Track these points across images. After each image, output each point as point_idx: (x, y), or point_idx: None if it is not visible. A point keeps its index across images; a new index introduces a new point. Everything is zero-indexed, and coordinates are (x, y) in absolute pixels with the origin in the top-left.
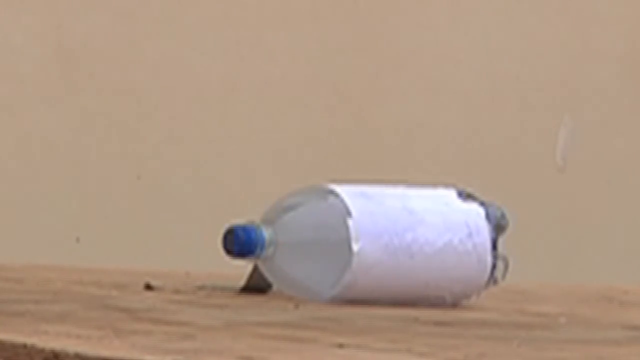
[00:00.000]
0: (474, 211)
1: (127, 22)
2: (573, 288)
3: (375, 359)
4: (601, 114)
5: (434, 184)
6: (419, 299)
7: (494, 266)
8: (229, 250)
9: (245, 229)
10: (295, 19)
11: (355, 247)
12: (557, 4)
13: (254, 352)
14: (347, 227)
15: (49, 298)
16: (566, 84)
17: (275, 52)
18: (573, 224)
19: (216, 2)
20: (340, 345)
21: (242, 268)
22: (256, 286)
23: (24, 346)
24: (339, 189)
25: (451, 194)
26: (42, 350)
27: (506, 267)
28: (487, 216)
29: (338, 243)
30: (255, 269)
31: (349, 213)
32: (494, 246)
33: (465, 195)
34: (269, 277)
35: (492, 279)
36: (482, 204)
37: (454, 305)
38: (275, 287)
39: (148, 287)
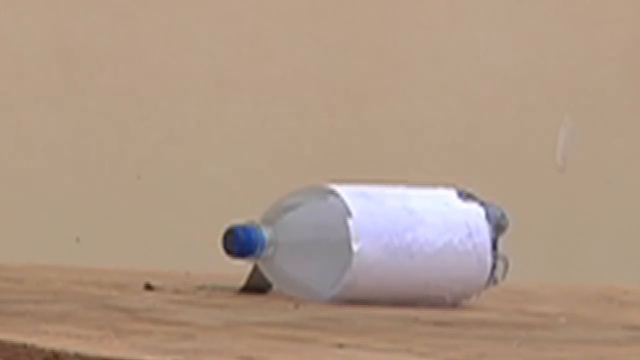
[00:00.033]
0: (474, 211)
1: (127, 22)
2: (573, 288)
3: (375, 359)
4: (601, 114)
5: (434, 184)
6: (419, 299)
7: (494, 266)
8: (229, 250)
9: (245, 229)
10: (295, 19)
11: (355, 247)
12: (557, 4)
13: (254, 352)
14: (347, 227)
15: (49, 298)
16: (566, 84)
17: (275, 52)
18: (573, 224)
19: (216, 2)
20: (340, 345)
21: (242, 268)
22: (256, 286)
23: (24, 346)
24: (339, 189)
25: (451, 194)
26: (42, 350)
27: (506, 267)
28: (487, 216)
29: (338, 243)
30: (255, 269)
31: (349, 213)
32: (494, 246)
33: (465, 195)
34: (269, 277)
35: (492, 279)
36: (482, 204)
37: (454, 305)
38: (275, 287)
39: (148, 287)
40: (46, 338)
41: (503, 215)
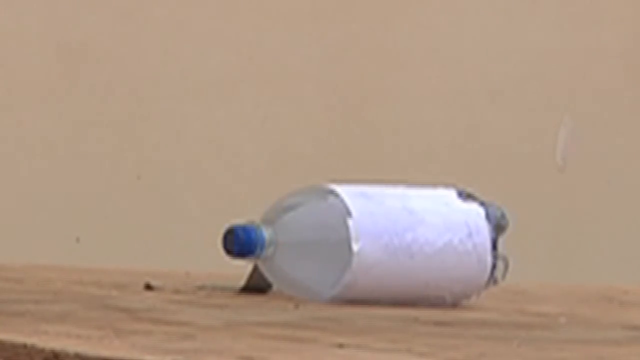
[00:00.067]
0: (474, 211)
1: (127, 22)
2: (573, 288)
3: (375, 359)
4: (601, 114)
5: (434, 184)
6: (419, 299)
7: (494, 266)
8: (229, 250)
9: (245, 229)
10: (296, 19)
11: (355, 247)
12: (557, 4)
13: (254, 352)
14: (347, 227)
15: (49, 298)
16: (566, 84)
17: (276, 52)
18: (573, 224)
19: (216, 2)
20: (340, 345)
21: (242, 268)
22: (256, 286)
23: (24, 346)
24: (339, 189)
25: (451, 194)
26: (42, 350)
27: (506, 267)
28: (487, 216)
29: (338, 243)
30: (255, 269)
31: (349, 213)
32: (494, 246)
33: (465, 195)
34: (269, 277)
35: (492, 279)
36: (482, 204)
37: (454, 305)
38: (275, 287)
39: (148, 287)
40: (46, 338)
41: (503, 215)
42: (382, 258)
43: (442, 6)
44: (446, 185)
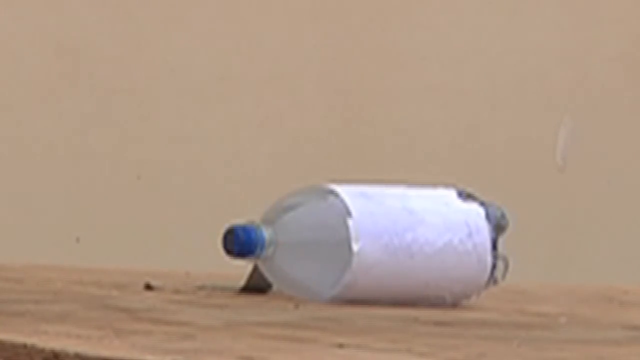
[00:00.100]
0: (474, 211)
1: (127, 22)
2: (573, 288)
3: (375, 359)
4: (601, 114)
5: (434, 184)
6: (419, 299)
7: (494, 266)
8: (229, 250)
9: (245, 229)
10: (296, 18)
11: (355, 247)
12: (557, 3)
13: (254, 352)
14: (347, 227)
15: (49, 298)
16: (566, 84)
17: (276, 51)
18: (573, 224)
19: (216, 2)
20: (340, 345)
21: (242, 268)
22: (256, 286)
23: (24, 346)
24: (339, 189)
25: (451, 194)
26: (42, 350)
27: (506, 267)
28: (487, 216)
29: (338, 243)
30: (255, 269)
31: (349, 213)
32: (494, 246)
33: (465, 195)
34: (269, 277)
35: (492, 279)
36: (482, 204)
37: (454, 305)
38: (275, 287)
39: (148, 287)
40: (46, 338)
41: (503, 215)
42: (382, 258)
43: (442, 6)
44: (446, 185)
